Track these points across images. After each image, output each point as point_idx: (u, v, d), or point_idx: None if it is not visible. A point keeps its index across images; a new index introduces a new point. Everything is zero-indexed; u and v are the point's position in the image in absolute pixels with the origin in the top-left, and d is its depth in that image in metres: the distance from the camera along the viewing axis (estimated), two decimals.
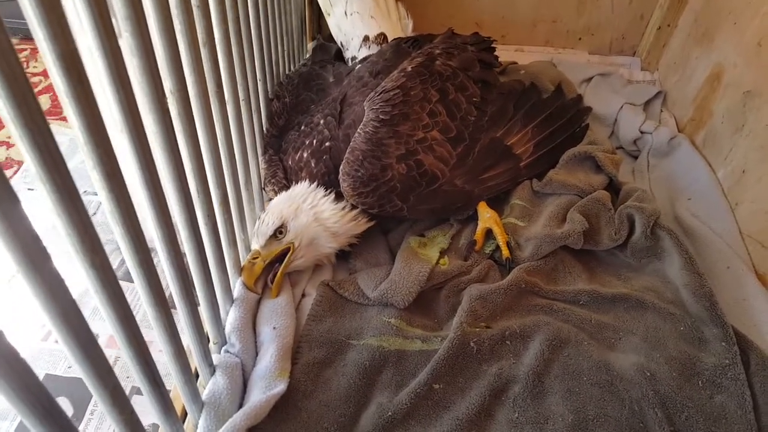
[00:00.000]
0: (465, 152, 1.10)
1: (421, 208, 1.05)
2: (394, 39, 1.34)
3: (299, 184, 1.05)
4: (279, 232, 0.96)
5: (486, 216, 1.10)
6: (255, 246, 0.96)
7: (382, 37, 1.39)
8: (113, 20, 0.45)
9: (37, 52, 2.06)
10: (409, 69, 1.11)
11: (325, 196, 1.02)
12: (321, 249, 1.01)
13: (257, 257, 0.95)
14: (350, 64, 1.42)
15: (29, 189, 1.68)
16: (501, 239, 1.07)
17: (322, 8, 1.49)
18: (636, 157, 1.39)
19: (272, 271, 0.97)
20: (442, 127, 1.08)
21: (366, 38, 1.40)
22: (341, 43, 1.47)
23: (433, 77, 1.11)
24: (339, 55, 1.50)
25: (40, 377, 1.25)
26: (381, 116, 1.03)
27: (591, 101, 1.49)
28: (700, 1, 1.43)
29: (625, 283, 1.04)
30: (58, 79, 0.38)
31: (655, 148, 1.35)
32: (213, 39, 0.71)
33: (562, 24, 1.66)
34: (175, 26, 0.59)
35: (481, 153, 1.13)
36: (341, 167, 1.02)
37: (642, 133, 1.38)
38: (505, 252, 1.05)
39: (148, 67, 0.51)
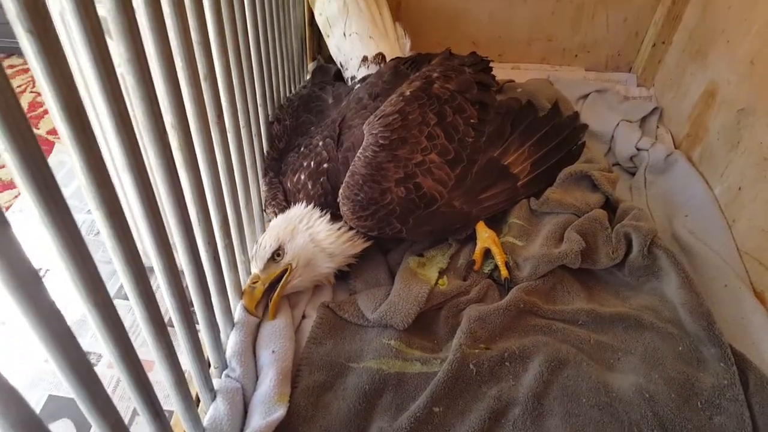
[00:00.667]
0: (463, 174, 1.11)
1: (420, 230, 1.07)
2: (393, 60, 1.36)
3: (296, 205, 1.06)
4: (277, 254, 0.97)
5: (484, 236, 1.11)
6: (254, 270, 0.97)
7: (380, 57, 1.41)
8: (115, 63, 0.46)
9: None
10: (408, 93, 1.12)
11: (320, 216, 1.03)
12: (318, 269, 1.02)
13: (257, 281, 0.96)
14: (350, 84, 1.43)
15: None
16: (499, 259, 1.08)
17: (321, 30, 1.51)
18: (633, 174, 1.40)
19: (271, 293, 0.98)
20: (440, 150, 1.09)
21: (365, 58, 1.42)
22: (340, 63, 1.49)
23: (431, 100, 1.12)
24: (339, 75, 1.52)
25: (43, 399, 1.27)
26: (380, 140, 1.04)
27: (587, 118, 1.50)
28: (694, 19, 1.45)
29: (624, 302, 1.05)
30: (62, 127, 0.39)
31: (651, 164, 1.36)
32: (214, 72, 0.72)
33: (558, 42, 1.68)
34: (176, 63, 0.60)
35: (479, 174, 1.14)
36: (341, 191, 1.03)
37: (638, 149, 1.40)
38: (504, 272, 1.06)
39: (150, 108, 0.52)
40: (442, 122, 1.12)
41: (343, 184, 1.03)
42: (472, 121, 1.16)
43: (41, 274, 1.51)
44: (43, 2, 0.34)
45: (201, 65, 0.69)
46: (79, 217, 1.65)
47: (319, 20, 1.51)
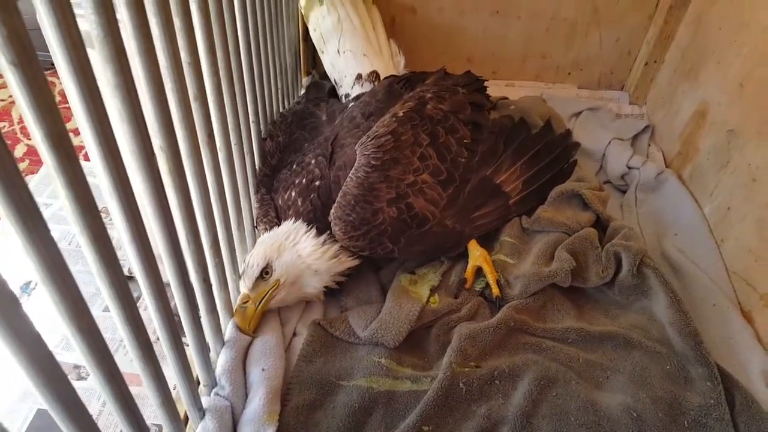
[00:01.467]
0: (455, 193, 1.12)
1: (412, 250, 1.07)
2: (387, 78, 1.37)
3: (284, 223, 1.06)
4: (265, 272, 0.98)
5: (476, 254, 1.11)
6: (243, 290, 0.97)
7: (374, 75, 1.42)
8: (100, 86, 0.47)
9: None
10: (401, 114, 1.13)
11: (306, 232, 1.03)
12: (305, 287, 1.03)
13: (247, 301, 0.96)
14: (344, 101, 1.44)
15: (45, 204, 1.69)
16: (491, 277, 1.08)
17: (316, 46, 1.52)
18: (624, 192, 1.41)
19: None
20: (432, 170, 1.10)
21: (359, 76, 1.43)
22: (335, 80, 1.50)
23: (423, 121, 1.13)
24: (333, 92, 1.53)
25: (32, 413, 1.26)
26: (372, 161, 1.05)
27: (580, 136, 1.51)
28: (685, 39, 1.46)
29: (613, 321, 1.05)
30: (46, 155, 0.40)
31: (642, 183, 1.37)
32: (204, 92, 0.73)
33: (552, 59, 1.69)
34: (165, 85, 0.61)
35: (471, 193, 1.14)
36: (333, 211, 1.04)
37: (630, 168, 1.41)
38: (495, 290, 1.07)
39: (137, 130, 0.52)
40: (435, 143, 1.12)
41: (335, 204, 1.04)
42: (465, 141, 1.17)
43: (31, 286, 1.52)
44: (26, 34, 0.35)
45: (191, 85, 0.70)
46: (65, 229, 1.64)
47: (314, 36, 1.52)
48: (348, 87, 1.44)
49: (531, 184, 1.22)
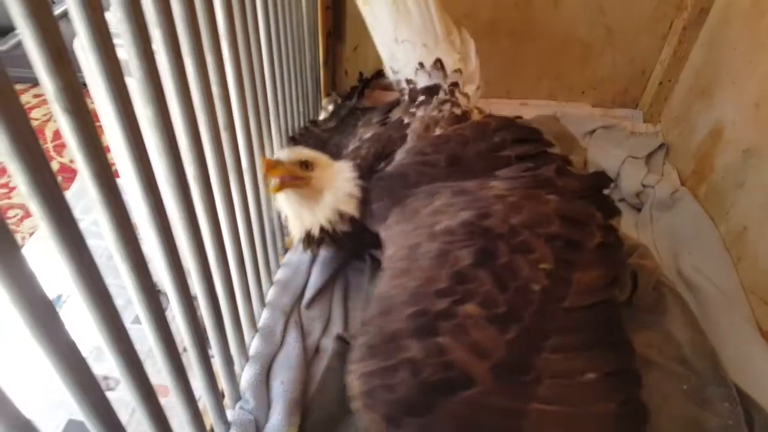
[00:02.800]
0: (519, 341, 0.69)
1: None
2: (477, 130, 1.11)
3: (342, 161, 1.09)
4: (306, 165, 1.01)
5: None
6: (280, 154, 1.00)
7: (439, 64, 1.30)
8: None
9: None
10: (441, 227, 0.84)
11: (351, 171, 1.04)
12: (319, 206, 1.02)
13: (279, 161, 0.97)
14: (402, 85, 1.35)
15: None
16: None
17: (368, 26, 1.38)
18: (639, 210, 1.42)
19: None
20: (482, 300, 0.72)
21: (421, 65, 1.31)
22: (390, 67, 1.38)
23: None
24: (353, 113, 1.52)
25: (63, 423, 1.30)
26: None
27: (594, 154, 1.53)
28: (699, 59, 1.48)
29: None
30: (93, 191, 0.43)
31: (657, 201, 1.38)
32: (233, 122, 0.77)
33: (566, 79, 1.72)
34: (198, 118, 0.65)
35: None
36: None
37: (644, 186, 1.42)
38: None
39: (174, 163, 0.56)
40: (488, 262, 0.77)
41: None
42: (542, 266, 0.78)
43: (63, 299, 1.57)
44: (78, 84, 0.39)
45: (221, 117, 0.74)
46: (96, 243, 1.69)
47: (364, 10, 1.37)
48: (411, 73, 1.32)
49: None
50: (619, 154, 1.50)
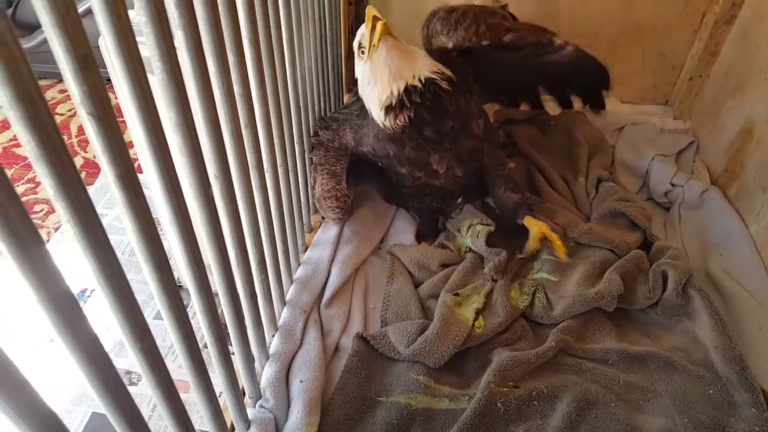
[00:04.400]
0: None
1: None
2: None
3: None
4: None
5: (535, 228, 1.16)
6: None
7: None
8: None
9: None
10: None
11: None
12: (417, 63, 1.10)
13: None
14: None
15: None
16: (555, 243, 1.15)
17: None
18: (668, 209, 1.39)
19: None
20: None
21: None
22: None
23: None
24: None
25: (87, 416, 1.33)
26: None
27: (622, 151, 1.51)
28: (731, 55, 1.44)
29: (655, 342, 1.04)
30: (116, 192, 0.44)
31: (686, 200, 1.35)
32: (254, 120, 0.77)
33: None
34: (219, 117, 0.65)
35: None
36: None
37: (673, 185, 1.39)
38: (563, 254, 1.15)
39: (195, 163, 0.56)
40: None
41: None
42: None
43: (88, 293, 1.60)
44: (104, 88, 0.39)
45: (242, 115, 0.74)
46: (118, 239, 1.71)
47: None
48: None
49: None
50: (649, 152, 1.47)
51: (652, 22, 1.56)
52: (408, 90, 1.07)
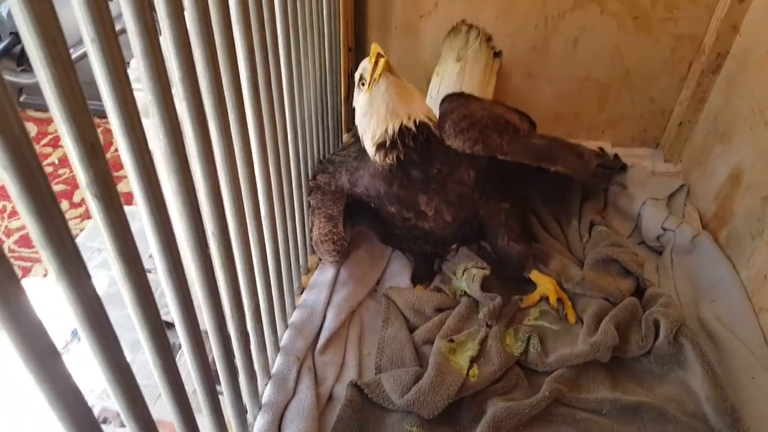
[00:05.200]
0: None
1: (518, 148, 1.19)
2: None
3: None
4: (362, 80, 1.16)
5: (545, 284, 1.21)
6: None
7: None
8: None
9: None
10: None
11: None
12: (414, 103, 1.15)
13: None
14: None
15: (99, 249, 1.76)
16: (566, 304, 1.19)
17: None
18: (660, 253, 1.41)
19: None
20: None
21: None
22: None
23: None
24: None
25: None
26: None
27: (614, 195, 1.53)
28: (718, 102, 1.47)
29: (648, 392, 1.05)
30: (116, 267, 0.44)
31: (678, 245, 1.37)
32: (253, 175, 0.78)
33: (584, 118, 1.72)
34: (219, 178, 0.66)
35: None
36: (441, 123, 1.17)
37: (665, 229, 1.40)
38: (571, 316, 1.17)
39: (194, 226, 0.57)
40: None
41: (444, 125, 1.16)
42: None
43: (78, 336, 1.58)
44: (110, 174, 0.40)
45: (242, 171, 0.75)
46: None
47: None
48: None
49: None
50: (640, 195, 1.49)
51: (640, 68, 1.59)
52: (402, 131, 1.11)
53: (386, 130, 1.12)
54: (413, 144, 1.12)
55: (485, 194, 1.25)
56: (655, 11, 1.50)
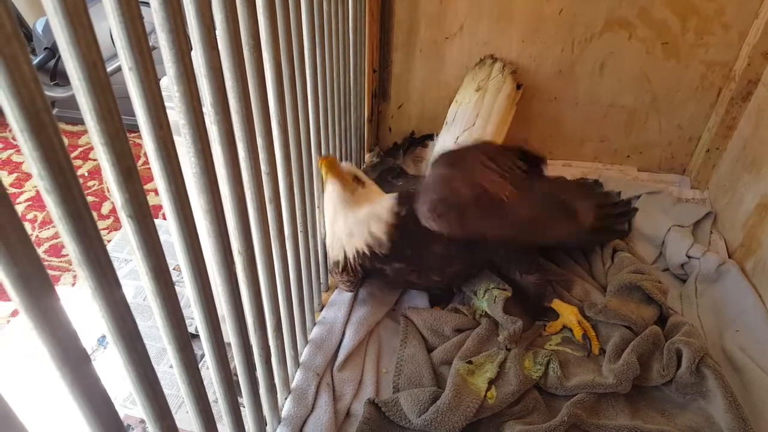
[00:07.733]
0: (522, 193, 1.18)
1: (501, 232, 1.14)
2: None
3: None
4: (359, 181, 1.15)
5: (568, 315, 1.21)
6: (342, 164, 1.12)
7: None
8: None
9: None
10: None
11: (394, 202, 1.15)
12: (352, 216, 1.12)
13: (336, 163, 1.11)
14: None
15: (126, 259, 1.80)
16: (589, 334, 1.18)
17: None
18: (684, 281, 1.39)
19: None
20: (494, 171, 1.18)
21: None
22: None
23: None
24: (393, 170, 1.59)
25: None
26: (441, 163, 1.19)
27: (639, 220, 1.52)
28: (748, 130, 1.46)
29: (669, 421, 1.03)
30: (148, 282, 0.47)
31: (702, 273, 1.35)
32: (278, 195, 0.81)
33: (610, 143, 1.72)
34: (246, 196, 0.68)
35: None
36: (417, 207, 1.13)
37: (689, 257, 1.39)
38: (595, 346, 1.17)
39: (222, 244, 0.60)
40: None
41: (419, 201, 1.12)
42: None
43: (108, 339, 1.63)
44: (143, 194, 0.42)
45: (267, 190, 0.78)
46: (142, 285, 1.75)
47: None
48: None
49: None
50: (665, 222, 1.48)
51: (668, 93, 1.59)
52: (353, 257, 1.15)
53: (340, 256, 1.16)
54: (368, 262, 1.15)
55: (473, 246, 1.22)
56: (685, 37, 1.50)
